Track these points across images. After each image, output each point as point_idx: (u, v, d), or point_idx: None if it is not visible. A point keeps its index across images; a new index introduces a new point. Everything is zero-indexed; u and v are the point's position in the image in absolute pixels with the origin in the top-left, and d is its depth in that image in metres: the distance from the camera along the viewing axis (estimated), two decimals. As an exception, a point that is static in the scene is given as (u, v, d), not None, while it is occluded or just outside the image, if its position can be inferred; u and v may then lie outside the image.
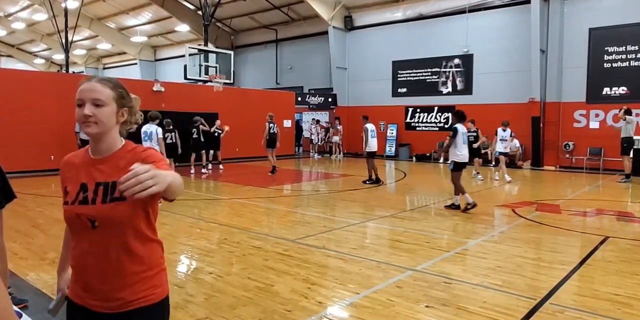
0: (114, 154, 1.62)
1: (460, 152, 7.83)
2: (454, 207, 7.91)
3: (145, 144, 8.54)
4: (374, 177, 11.28)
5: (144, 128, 8.74)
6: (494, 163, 16.29)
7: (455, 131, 7.87)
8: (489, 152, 16.53)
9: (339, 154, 20.22)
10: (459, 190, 7.83)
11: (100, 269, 1.54)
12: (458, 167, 7.86)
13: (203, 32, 17.97)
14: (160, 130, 8.90)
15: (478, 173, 12.71)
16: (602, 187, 11.74)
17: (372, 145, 11.09)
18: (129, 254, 1.55)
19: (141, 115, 1.79)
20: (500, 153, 12.05)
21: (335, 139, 20.17)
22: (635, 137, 12.76)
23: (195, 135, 13.18)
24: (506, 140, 12.01)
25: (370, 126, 11.10)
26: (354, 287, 4.07)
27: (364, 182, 11.23)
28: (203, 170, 13.44)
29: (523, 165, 15.95)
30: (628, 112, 12.16)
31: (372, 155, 11.17)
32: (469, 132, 9.83)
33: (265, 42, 24.61)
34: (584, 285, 4.25)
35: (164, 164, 1.55)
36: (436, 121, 18.56)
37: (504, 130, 11.94)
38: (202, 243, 5.61)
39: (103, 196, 1.53)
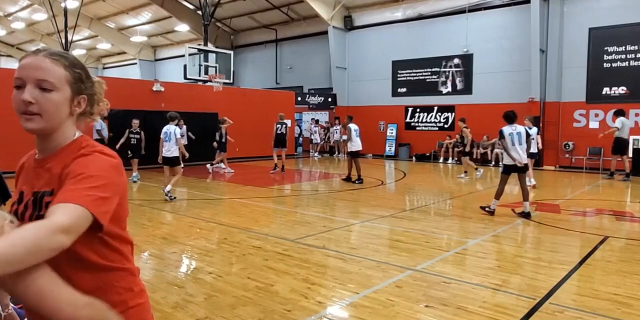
0: (55, 154, 1.23)
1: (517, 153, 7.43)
2: (489, 211, 7.55)
3: (166, 145, 8.71)
4: (354, 175, 11.47)
5: (164, 128, 8.84)
6: (494, 162, 16.33)
7: (502, 133, 7.65)
8: (488, 152, 16.56)
9: (344, 153, 20.22)
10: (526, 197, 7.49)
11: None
12: (509, 170, 7.51)
13: (203, 32, 17.96)
14: (178, 130, 8.96)
15: (466, 172, 12.96)
16: (601, 186, 11.74)
17: (357, 144, 11.29)
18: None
19: (107, 105, 1.39)
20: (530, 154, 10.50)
21: (344, 138, 20.12)
22: (634, 137, 12.82)
23: (219, 136, 13.29)
24: (533, 139, 10.41)
25: (353, 126, 11.34)
26: (354, 286, 4.08)
27: (354, 181, 11.29)
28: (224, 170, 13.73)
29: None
30: (617, 113, 12.67)
31: (355, 154, 11.35)
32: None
33: (265, 42, 24.60)
34: (583, 285, 4.25)
35: (84, 177, 1.10)
36: (436, 121, 18.56)
37: (530, 128, 10.03)
38: (201, 243, 5.61)
39: (32, 210, 1.17)
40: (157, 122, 14.42)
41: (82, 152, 1.20)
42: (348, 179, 11.50)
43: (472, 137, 13.00)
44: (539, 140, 10.58)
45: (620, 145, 12.52)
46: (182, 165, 9.44)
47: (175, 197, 8.75)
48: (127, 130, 11.22)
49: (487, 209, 7.61)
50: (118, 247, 1.23)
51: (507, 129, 7.81)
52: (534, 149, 10.57)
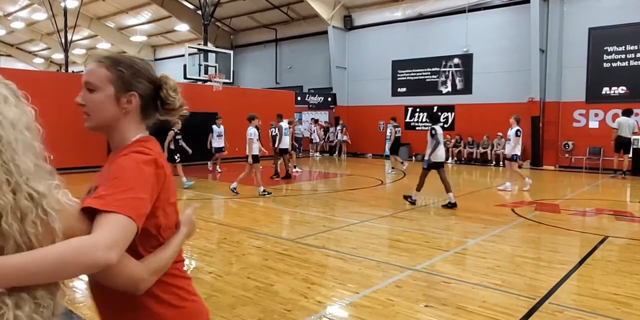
0: (116, 153, 1.27)
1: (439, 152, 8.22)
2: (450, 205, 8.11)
3: (248, 147, 9.25)
4: (286, 172, 12.18)
5: (248, 130, 9.37)
6: (494, 162, 16.33)
7: (435, 132, 8.24)
8: (488, 151, 16.56)
9: (344, 153, 20.22)
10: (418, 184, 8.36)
11: (92, 290, 1.25)
12: (436, 166, 8.26)
13: (202, 32, 17.94)
14: (253, 130, 9.33)
15: (393, 168, 13.54)
16: (601, 186, 11.74)
17: (286, 142, 12.01)
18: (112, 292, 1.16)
19: (179, 101, 1.33)
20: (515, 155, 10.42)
21: (345, 137, 20.14)
22: (634, 137, 12.86)
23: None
24: (510, 140, 10.57)
25: (284, 124, 12.00)
26: (354, 286, 4.08)
27: (283, 177, 11.99)
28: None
29: (522, 165, 15.94)
30: (624, 113, 12.92)
31: (285, 151, 12.07)
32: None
33: (265, 42, 24.59)
34: (583, 285, 4.26)
35: (111, 176, 1.13)
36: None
37: (512, 128, 10.34)
38: (201, 243, 5.60)
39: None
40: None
41: (124, 152, 1.21)
42: (286, 176, 12.18)
43: (399, 135, 13.95)
44: (519, 142, 10.17)
45: (618, 144, 12.77)
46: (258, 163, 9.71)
47: (271, 193, 9.37)
48: (173, 132, 10.20)
49: (409, 199, 8.39)
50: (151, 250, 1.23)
51: (439, 129, 8.33)
52: (509, 150, 10.44)
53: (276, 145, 12.06)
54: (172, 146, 10.16)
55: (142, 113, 1.30)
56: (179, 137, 10.40)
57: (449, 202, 8.11)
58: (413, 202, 8.34)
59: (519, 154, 10.33)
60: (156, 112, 1.34)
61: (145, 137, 1.30)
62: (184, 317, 1.27)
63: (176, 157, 10.24)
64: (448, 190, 8.12)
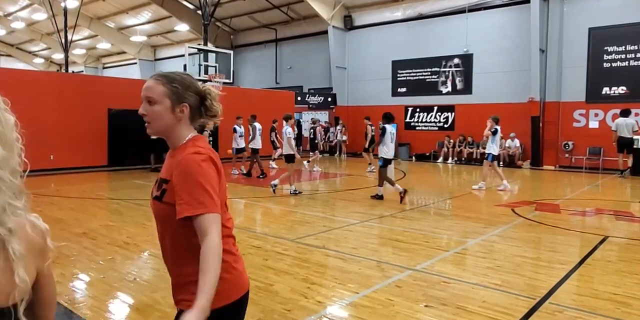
0: (175, 150, 1.61)
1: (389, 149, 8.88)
2: (377, 197, 8.89)
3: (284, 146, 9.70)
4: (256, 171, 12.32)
5: (284, 129, 9.69)
6: (501, 163, 16.33)
7: (384, 131, 8.88)
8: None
9: (344, 153, 20.21)
10: (384, 182, 8.86)
11: (167, 263, 1.65)
12: (387, 162, 8.93)
13: (203, 32, 17.93)
14: (289, 130, 9.61)
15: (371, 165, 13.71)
16: (601, 186, 11.75)
17: (258, 143, 12.41)
18: (179, 252, 1.57)
19: (220, 109, 1.66)
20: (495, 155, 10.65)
21: (344, 138, 20.13)
22: (635, 137, 12.88)
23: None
24: (486, 139, 10.79)
25: (258, 125, 12.43)
26: (354, 286, 4.08)
27: (258, 177, 12.07)
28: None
29: (522, 165, 15.96)
30: (621, 113, 13.06)
31: (257, 151, 12.34)
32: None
33: (265, 42, 24.59)
34: (583, 285, 4.26)
35: (185, 179, 1.46)
36: (436, 121, 18.57)
37: (491, 129, 10.59)
38: (201, 243, 5.60)
39: (155, 191, 1.59)
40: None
41: (183, 154, 1.53)
42: (248, 174, 12.39)
43: (375, 134, 13.77)
44: (496, 141, 10.31)
45: (620, 145, 12.88)
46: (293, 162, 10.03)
47: (300, 192, 9.63)
48: (207, 133, 10.48)
49: (376, 196, 8.88)
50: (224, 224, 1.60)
51: (389, 128, 9.02)
52: (489, 150, 10.47)
53: (249, 145, 12.34)
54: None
55: (191, 118, 1.63)
56: (210, 138, 11.25)
57: (376, 194, 8.89)
58: (380, 197, 8.86)
59: (494, 153, 10.44)
60: (201, 117, 1.65)
61: (196, 136, 1.62)
62: (224, 285, 1.50)
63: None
64: (381, 184, 8.82)
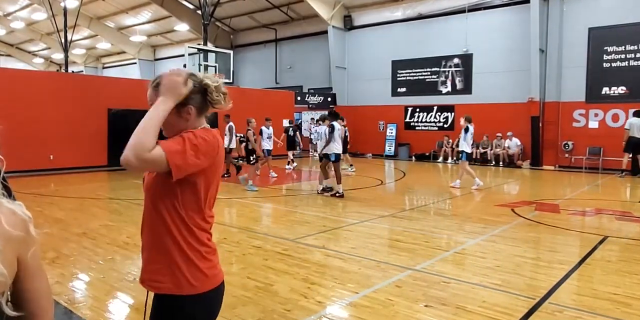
0: None
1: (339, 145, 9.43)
2: (329, 191, 9.33)
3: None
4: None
5: (318, 129, 10.04)
6: (494, 162, 16.35)
7: (333, 128, 9.26)
8: (488, 152, 16.58)
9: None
10: (327, 176, 9.55)
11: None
12: (338, 158, 9.53)
13: (202, 32, 17.93)
14: (327, 130, 9.89)
15: (351, 165, 13.93)
16: (601, 186, 11.75)
17: (233, 143, 12.47)
18: (154, 229, 1.62)
19: (220, 97, 1.70)
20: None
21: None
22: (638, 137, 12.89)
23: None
24: (461, 138, 10.89)
25: (233, 125, 12.44)
26: (354, 286, 4.08)
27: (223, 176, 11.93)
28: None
29: (522, 165, 15.96)
30: (635, 113, 13.11)
31: (230, 151, 12.30)
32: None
33: (265, 42, 24.59)
34: (583, 285, 4.26)
35: (177, 141, 1.52)
36: (435, 121, 18.57)
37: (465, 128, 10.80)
38: (201, 242, 5.59)
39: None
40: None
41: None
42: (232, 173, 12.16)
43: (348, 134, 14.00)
44: (468, 140, 10.56)
45: (629, 144, 12.92)
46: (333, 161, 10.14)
47: (331, 190, 9.67)
48: (251, 132, 10.57)
49: (336, 194, 9.13)
50: (196, 207, 1.63)
51: (337, 125, 9.41)
52: (461, 148, 10.68)
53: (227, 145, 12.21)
54: (250, 147, 10.57)
55: (199, 113, 1.67)
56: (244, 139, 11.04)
57: (337, 192, 9.18)
58: (334, 194, 9.21)
59: (467, 151, 10.63)
60: (208, 108, 1.70)
61: (205, 128, 1.67)
62: (195, 273, 1.60)
63: (252, 158, 10.54)
64: (339, 182, 9.23)
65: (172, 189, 1.54)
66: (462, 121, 10.70)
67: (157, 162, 1.43)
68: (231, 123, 12.40)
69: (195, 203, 1.59)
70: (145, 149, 1.39)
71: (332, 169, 9.65)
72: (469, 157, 10.89)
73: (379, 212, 7.66)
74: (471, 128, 10.62)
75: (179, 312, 1.59)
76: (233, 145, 12.45)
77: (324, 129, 9.63)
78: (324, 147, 9.37)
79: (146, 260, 1.65)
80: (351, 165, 14.15)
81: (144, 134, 1.42)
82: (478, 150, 16.83)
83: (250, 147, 10.53)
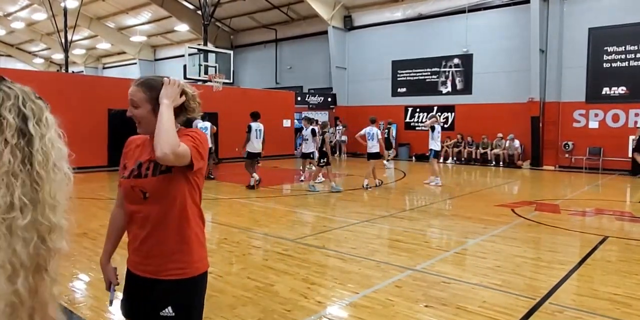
0: None
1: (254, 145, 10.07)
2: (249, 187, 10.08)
3: (369, 143, 10.51)
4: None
5: (367, 129, 10.56)
6: (494, 162, 16.34)
7: (249, 128, 9.99)
8: (488, 152, 16.58)
9: (344, 153, 20.18)
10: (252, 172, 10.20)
11: (153, 236, 1.78)
12: (252, 156, 10.18)
13: (202, 32, 17.94)
14: (376, 130, 10.60)
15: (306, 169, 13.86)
16: (601, 186, 11.75)
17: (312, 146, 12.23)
18: (171, 225, 1.76)
19: (195, 104, 1.86)
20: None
21: (343, 138, 20.10)
22: (634, 138, 12.90)
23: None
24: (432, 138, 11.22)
25: (204, 123, 12.33)
26: (354, 286, 4.08)
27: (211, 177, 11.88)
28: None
29: (522, 165, 15.96)
30: None
31: (211, 151, 12.14)
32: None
33: (265, 42, 24.60)
34: (583, 285, 4.26)
35: (188, 139, 1.70)
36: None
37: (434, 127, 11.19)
38: (201, 243, 5.59)
39: (153, 171, 1.74)
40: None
41: (183, 132, 1.77)
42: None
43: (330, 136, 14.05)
44: (436, 138, 11.00)
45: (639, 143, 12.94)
46: (386, 159, 10.65)
47: (372, 186, 10.28)
48: (329, 134, 10.64)
49: (248, 186, 9.99)
50: (197, 201, 1.85)
51: (254, 125, 10.14)
52: (432, 145, 11.09)
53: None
54: (324, 148, 10.38)
55: (175, 117, 1.76)
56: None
57: (249, 184, 10.00)
58: (252, 187, 9.97)
59: (436, 149, 11.12)
60: (181, 114, 1.84)
61: (181, 128, 1.82)
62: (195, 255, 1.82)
63: (322, 161, 10.28)
64: (251, 174, 10.03)
65: (184, 187, 1.76)
66: (427, 122, 11.19)
67: (185, 155, 1.64)
68: (313, 127, 11.32)
69: (198, 197, 1.84)
70: (177, 145, 1.61)
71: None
72: (437, 155, 11.37)
73: (379, 212, 7.66)
74: (437, 127, 11.17)
75: (202, 290, 1.87)
76: (312, 148, 11.19)
77: (376, 130, 10.59)
78: (245, 145, 10.22)
79: (160, 254, 1.77)
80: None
81: (171, 134, 1.62)
82: (478, 151, 16.83)
83: (324, 149, 10.30)
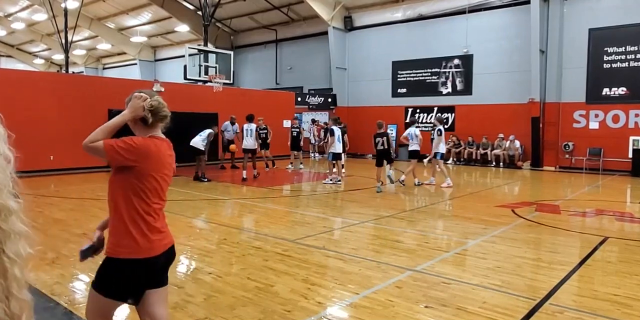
0: None
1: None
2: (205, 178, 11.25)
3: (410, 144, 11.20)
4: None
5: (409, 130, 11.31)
6: (494, 163, 16.33)
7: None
8: (488, 153, 16.57)
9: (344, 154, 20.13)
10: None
11: None
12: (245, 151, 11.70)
13: (203, 33, 17.95)
14: (414, 130, 11.23)
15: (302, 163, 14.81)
16: (601, 187, 11.74)
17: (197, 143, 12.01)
18: (111, 213, 2.23)
19: (148, 116, 2.24)
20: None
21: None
22: (634, 138, 12.89)
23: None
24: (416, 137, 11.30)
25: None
26: (354, 287, 4.07)
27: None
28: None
29: (523, 166, 15.95)
30: None
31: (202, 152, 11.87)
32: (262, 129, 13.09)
33: (265, 43, 24.60)
34: (583, 286, 4.25)
35: (120, 140, 2.12)
36: (428, 121, 18.55)
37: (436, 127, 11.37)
38: (201, 243, 5.60)
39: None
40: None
41: None
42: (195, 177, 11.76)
43: (295, 134, 15.08)
44: (442, 140, 11.07)
45: None
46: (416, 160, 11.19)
47: (399, 181, 10.81)
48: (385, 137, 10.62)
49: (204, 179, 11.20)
50: (139, 193, 2.20)
51: (245, 126, 11.86)
52: (440, 148, 11.10)
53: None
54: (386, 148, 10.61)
55: (144, 125, 2.27)
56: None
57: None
58: (204, 179, 11.18)
59: (442, 152, 11.12)
60: (152, 122, 2.25)
61: (152, 136, 2.26)
62: (128, 241, 2.15)
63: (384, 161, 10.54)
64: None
65: (123, 181, 2.15)
66: (435, 122, 11.55)
67: (99, 149, 2.06)
68: (334, 127, 11.65)
69: (136, 194, 2.14)
70: (91, 141, 2.07)
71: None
72: (442, 156, 11.31)
73: (379, 212, 7.66)
74: (442, 129, 11.24)
75: (114, 271, 2.20)
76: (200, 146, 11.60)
77: (414, 130, 11.25)
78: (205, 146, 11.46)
79: (108, 233, 2.23)
80: (301, 163, 15.17)
81: (96, 133, 2.10)
82: (478, 151, 16.82)
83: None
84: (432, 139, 11.54)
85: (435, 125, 11.37)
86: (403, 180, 10.97)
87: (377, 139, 10.44)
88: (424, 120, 18.84)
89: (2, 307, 1.04)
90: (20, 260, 1.09)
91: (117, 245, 2.14)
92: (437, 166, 11.10)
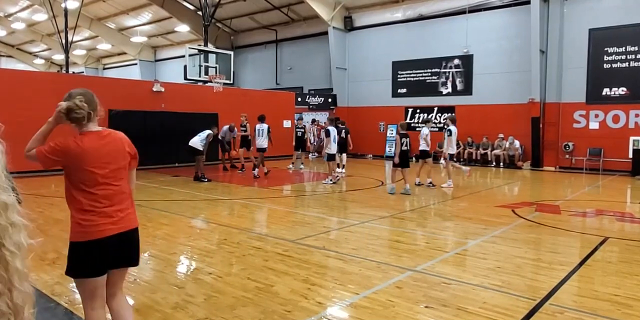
0: None
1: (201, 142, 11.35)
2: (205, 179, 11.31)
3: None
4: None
5: (422, 130, 11.26)
6: (494, 163, 16.33)
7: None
8: (488, 153, 16.57)
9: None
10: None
11: None
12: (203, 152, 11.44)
13: (203, 33, 17.96)
14: (428, 131, 11.36)
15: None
16: (601, 187, 11.74)
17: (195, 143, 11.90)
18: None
19: (81, 115, 2.54)
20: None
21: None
22: (634, 138, 12.89)
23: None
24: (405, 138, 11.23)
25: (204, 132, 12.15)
26: (354, 287, 4.07)
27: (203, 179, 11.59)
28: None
29: (523, 166, 15.95)
30: None
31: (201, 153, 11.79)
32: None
33: (265, 43, 24.61)
34: (583, 286, 4.25)
35: (51, 142, 2.44)
36: (436, 122, 18.54)
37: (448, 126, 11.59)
38: (201, 243, 5.60)
39: None
40: (157, 123, 14.44)
41: None
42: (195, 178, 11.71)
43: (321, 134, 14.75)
44: (452, 141, 11.25)
45: None
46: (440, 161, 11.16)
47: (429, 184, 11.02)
48: (406, 140, 10.74)
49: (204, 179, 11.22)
50: (76, 184, 2.45)
51: (257, 126, 11.93)
52: (450, 150, 11.38)
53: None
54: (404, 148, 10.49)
55: (77, 124, 2.58)
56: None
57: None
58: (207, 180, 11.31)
59: (452, 153, 11.32)
60: (77, 120, 2.54)
61: (81, 133, 2.55)
62: (75, 228, 2.43)
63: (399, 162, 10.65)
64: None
65: (66, 177, 2.44)
66: (448, 122, 11.60)
67: (33, 156, 2.39)
68: (330, 127, 11.89)
69: (78, 183, 2.41)
70: (28, 150, 2.41)
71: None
72: (452, 157, 11.58)
73: (379, 213, 7.65)
74: (454, 130, 11.37)
75: (75, 253, 2.45)
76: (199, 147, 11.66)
77: (427, 130, 11.34)
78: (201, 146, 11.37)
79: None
80: (302, 163, 15.28)
81: (31, 142, 2.44)
82: (479, 151, 16.82)
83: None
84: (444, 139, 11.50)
85: (446, 125, 11.39)
86: (430, 182, 11.12)
87: (403, 139, 10.39)
88: (433, 120, 18.81)
89: (4, 299, 1.05)
90: (20, 252, 1.11)
91: (72, 232, 2.42)
92: (444, 166, 11.18)
